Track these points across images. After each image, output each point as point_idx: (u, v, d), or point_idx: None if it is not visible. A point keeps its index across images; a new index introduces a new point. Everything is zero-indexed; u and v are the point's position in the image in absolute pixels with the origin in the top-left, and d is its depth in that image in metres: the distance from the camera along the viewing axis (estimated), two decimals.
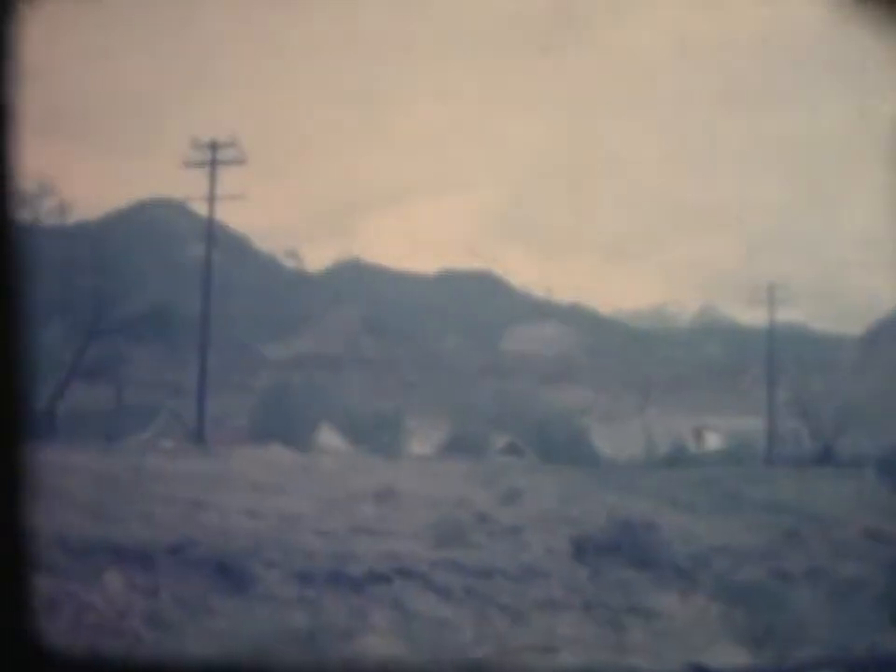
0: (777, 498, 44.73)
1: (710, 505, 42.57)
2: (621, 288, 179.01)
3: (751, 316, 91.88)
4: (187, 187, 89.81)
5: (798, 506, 44.11)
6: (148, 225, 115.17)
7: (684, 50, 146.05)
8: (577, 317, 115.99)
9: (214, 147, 68.62)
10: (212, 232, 68.89)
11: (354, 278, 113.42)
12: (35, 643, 5.56)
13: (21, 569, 5.50)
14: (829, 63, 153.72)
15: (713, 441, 75.55)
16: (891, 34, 4.62)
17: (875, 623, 29.37)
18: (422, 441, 66.76)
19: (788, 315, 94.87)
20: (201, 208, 70.07)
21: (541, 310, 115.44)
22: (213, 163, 68.27)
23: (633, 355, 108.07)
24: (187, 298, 70.33)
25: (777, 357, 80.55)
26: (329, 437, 66.79)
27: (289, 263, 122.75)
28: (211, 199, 68.10)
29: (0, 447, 5.52)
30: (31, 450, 5.61)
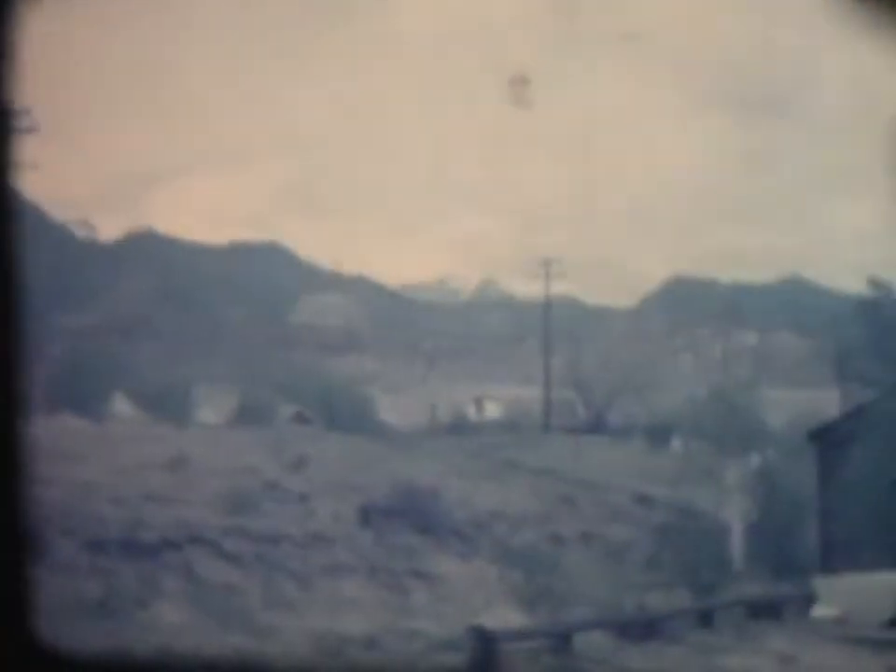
0: (552, 465, 45.39)
1: (489, 472, 43.05)
2: (405, 262, 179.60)
3: (529, 290, 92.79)
4: None
5: (572, 472, 44.84)
6: None
7: (457, 34, 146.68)
8: (363, 289, 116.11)
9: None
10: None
11: (146, 248, 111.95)
12: (35, 643, 5.40)
13: (21, 567, 5.33)
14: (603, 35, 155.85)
15: (493, 410, 76.26)
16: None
17: (644, 584, 30.06)
18: (212, 410, 66.28)
19: (562, 288, 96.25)
20: None
21: (329, 282, 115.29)
22: None
23: (417, 326, 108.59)
24: None
25: (552, 329, 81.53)
26: (121, 406, 65.91)
27: (83, 233, 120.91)
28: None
29: None
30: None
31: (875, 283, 40.17)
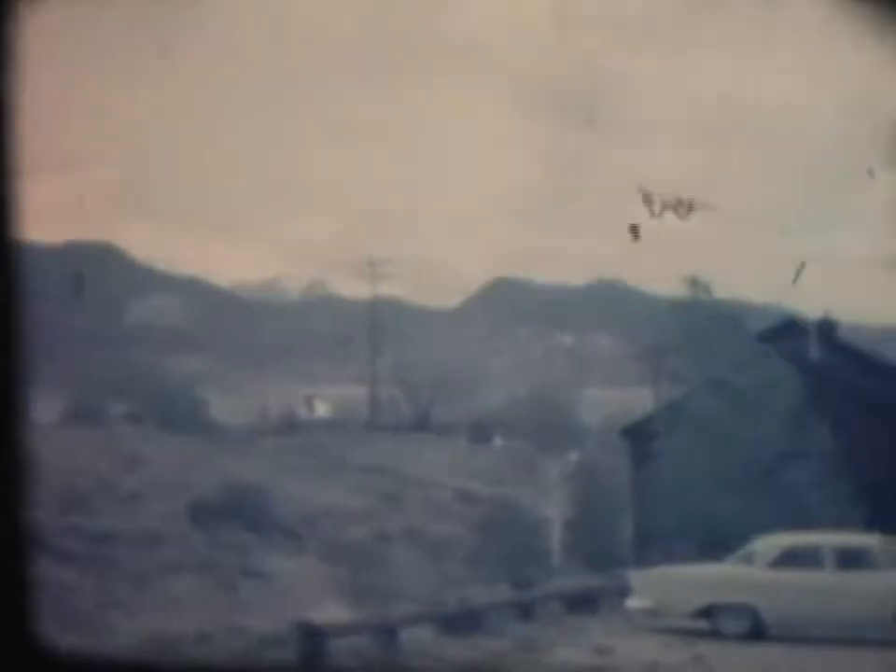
0: (378, 463, 45.39)
1: (317, 469, 42.90)
2: (238, 262, 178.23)
3: (356, 291, 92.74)
4: None
5: (397, 469, 44.89)
6: None
7: (285, 36, 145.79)
8: (196, 290, 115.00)
9: None
10: None
11: None
12: (35, 643, 5.12)
13: (21, 568, 5.04)
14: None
15: (322, 409, 75.97)
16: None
17: (466, 578, 30.16)
18: (44, 409, 64.99)
19: (389, 289, 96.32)
20: None
21: (162, 282, 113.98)
22: None
23: (248, 326, 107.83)
24: None
25: (379, 329, 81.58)
26: None
27: None
28: None
29: None
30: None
31: (693, 282, 40.70)
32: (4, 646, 5.00)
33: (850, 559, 25.51)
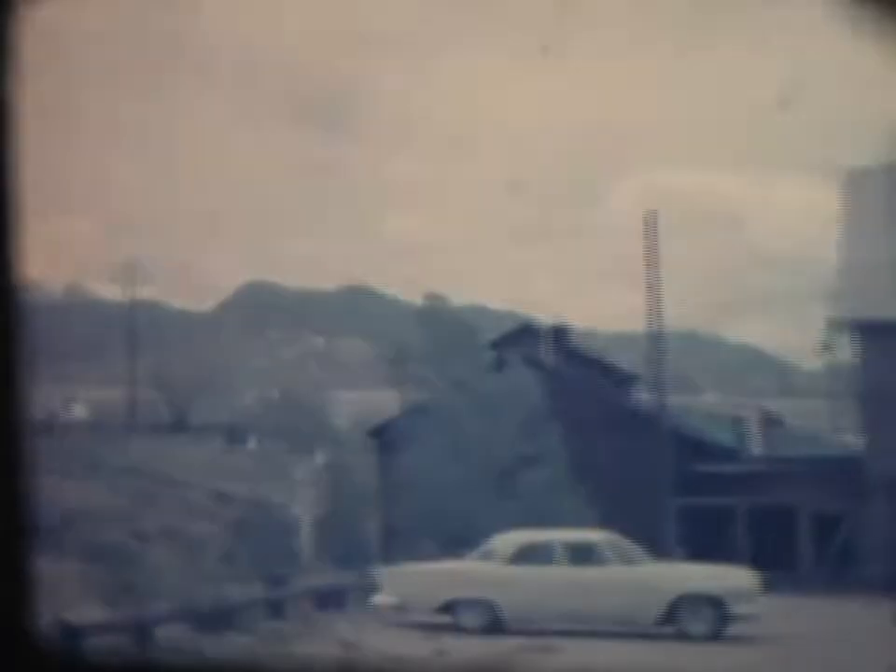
0: (136, 464, 44.81)
1: (76, 470, 42.09)
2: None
3: (115, 293, 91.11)
4: None
5: (154, 470, 44.37)
6: None
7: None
8: None
9: None
10: None
11: None
12: (34, 643, 4.86)
13: (21, 566, 4.77)
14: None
15: (80, 411, 74.58)
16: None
17: (220, 576, 29.98)
18: None
19: (147, 292, 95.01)
20: None
21: None
22: None
23: None
24: None
25: (137, 332, 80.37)
26: None
27: None
28: None
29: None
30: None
31: (430, 296, 41.34)
32: (4, 646, 4.90)
33: (580, 555, 26.18)
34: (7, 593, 4.79)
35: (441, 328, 40.09)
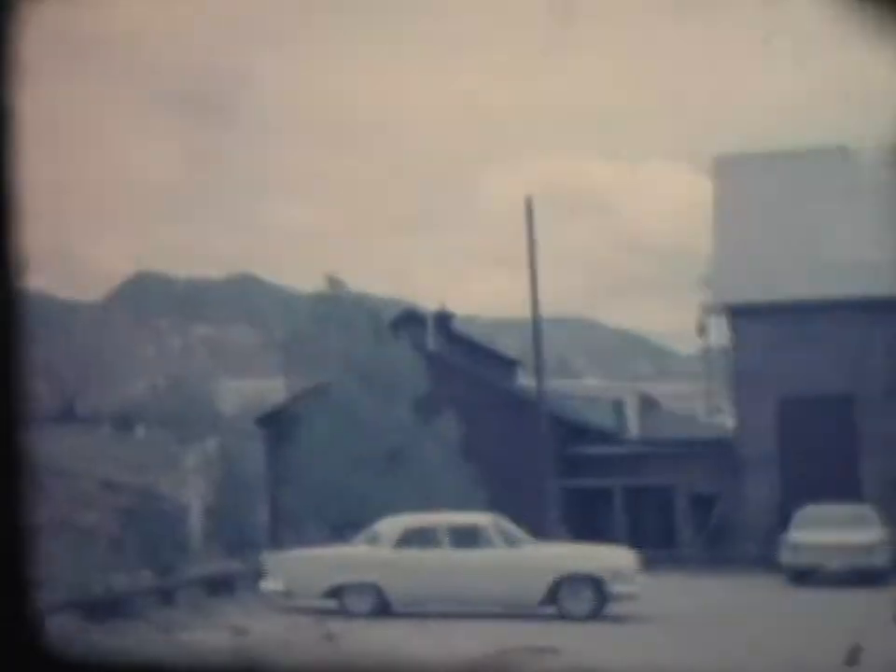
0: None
1: None
2: None
3: None
4: None
5: (42, 460, 43.70)
6: None
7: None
8: None
9: None
10: None
11: None
12: (35, 643, 4.67)
13: (21, 566, 4.58)
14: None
15: None
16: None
17: (110, 566, 29.64)
18: None
19: (34, 281, 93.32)
20: None
21: None
22: None
23: None
24: None
25: (26, 323, 79.16)
26: None
27: None
28: None
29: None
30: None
31: (331, 280, 41.13)
32: (3, 646, 4.78)
33: (465, 538, 26.24)
34: (7, 594, 4.71)
35: (333, 312, 39.95)
